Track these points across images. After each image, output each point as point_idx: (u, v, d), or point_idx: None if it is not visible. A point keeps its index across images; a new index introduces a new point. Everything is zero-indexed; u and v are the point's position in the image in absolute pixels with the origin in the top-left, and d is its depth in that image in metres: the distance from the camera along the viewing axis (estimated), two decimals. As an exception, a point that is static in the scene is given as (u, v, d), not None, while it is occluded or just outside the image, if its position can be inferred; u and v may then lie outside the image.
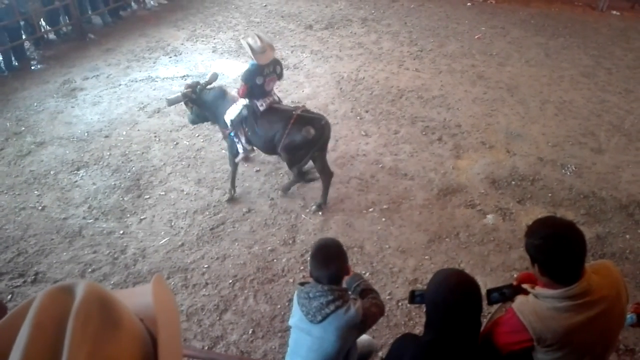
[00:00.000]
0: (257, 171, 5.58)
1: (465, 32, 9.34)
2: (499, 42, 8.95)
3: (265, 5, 10.61)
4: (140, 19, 10.04)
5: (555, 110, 6.83)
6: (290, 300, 4.04)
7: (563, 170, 5.62)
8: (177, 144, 6.09)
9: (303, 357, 2.62)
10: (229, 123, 4.86)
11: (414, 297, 2.29)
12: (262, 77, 4.53)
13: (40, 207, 5.11)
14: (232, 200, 5.18)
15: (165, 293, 0.98)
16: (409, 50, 8.54)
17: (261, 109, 4.70)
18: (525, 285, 2.17)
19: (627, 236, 4.75)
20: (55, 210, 5.07)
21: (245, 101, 4.72)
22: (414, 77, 7.64)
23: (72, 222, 4.92)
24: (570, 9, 10.75)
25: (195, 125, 5.73)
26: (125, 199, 5.21)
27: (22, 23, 8.18)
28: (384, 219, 4.92)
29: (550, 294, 1.99)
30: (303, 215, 4.97)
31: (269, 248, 4.60)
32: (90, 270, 4.40)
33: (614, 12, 10.55)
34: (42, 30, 8.76)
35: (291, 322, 2.74)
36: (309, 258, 2.65)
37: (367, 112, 6.70)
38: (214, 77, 5.15)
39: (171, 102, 5.08)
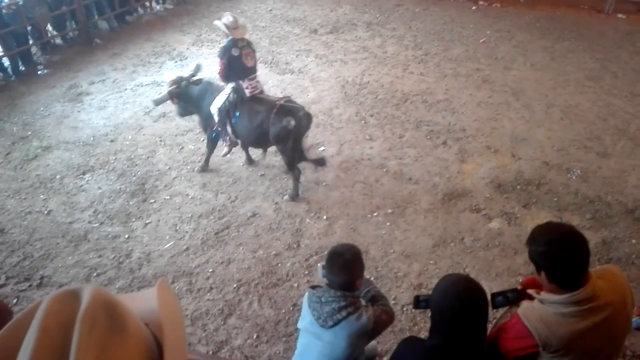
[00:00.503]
0: (261, 175, 5.59)
1: (470, 36, 9.34)
2: (504, 46, 8.94)
3: (271, 10, 10.65)
4: (146, 23, 10.10)
5: (561, 114, 6.81)
6: (295, 305, 4.04)
7: (568, 175, 5.60)
8: (182, 148, 6.11)
9: None
10: (215, 112, 4.97)
11: (418, 303, 2.28)
12: (237, 49, 4.83)
13: (46, 211, 5.13)
14: (202, 170, 5.62)
15: (170, 297, 0.99)
16: (413, 54, 8.54)
17: (247, 93, 4.91)
18: (530, 291, 2.16)
19: (633, 241, 4.71)
20: (60, 215, 5.09)
21: (231, 86, 4.92)
22: (419, 81, 7.64)
23: (78, 226, 4.94)
24: (575, 12, 10.73)
25: (199, 130, 5.80)
26: (131, 203, 5.23)
27: (29, 28, 8.25)
28: (388, 224, 4.91)
29: (556, 300, 1.98)
30: (307, 220, 4.96)
31: (274, 252, 4.60)
32: (95, 274, 4.41)
33: (620, 15, 10.51)
34: (49, 35, 8.83)
35: (300, 324, 2.74)
36: (325, 261, 2.62)
37: (371, 116, 6.70)
38: (198, 68, 5.27)
39: (158, 102, 5.33)
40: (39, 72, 8.15)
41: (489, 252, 4.58)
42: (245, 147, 5.57)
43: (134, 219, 5.02)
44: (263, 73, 7.86)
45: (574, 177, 5.56)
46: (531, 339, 2.01)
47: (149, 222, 4.98)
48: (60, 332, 0.73)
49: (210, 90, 5.21)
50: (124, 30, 9.71)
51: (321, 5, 10.91)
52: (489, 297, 2.16)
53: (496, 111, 6.85)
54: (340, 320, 2.47)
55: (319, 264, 2.77)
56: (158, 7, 10.90)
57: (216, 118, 5.09)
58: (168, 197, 5.30)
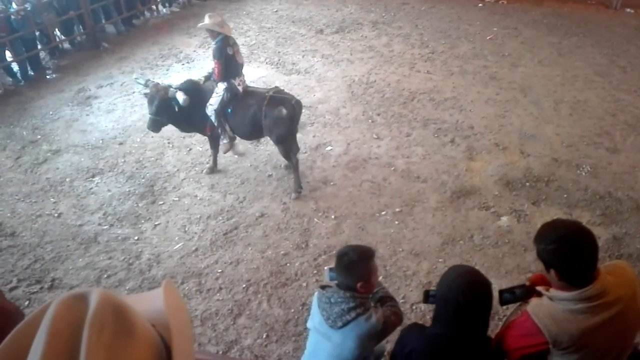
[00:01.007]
0: (269, 176, 5.60)
1: (477, 33, 9.29)
2: (511, 43, 8.88)
3: (277, 11, 10.66)
4: (153, 27, 10.15)
5: (570, 110, 6.76)
6: (304, 304, 4.04)
7: (578, 171, 5.55)
8: (190, 150, 6.13)
9: None
10: (212, 113, 5.07)
11: (428, 297, 2.30)
12: (230, 47, 4.94)
13: (56, 214, 5.18)
14: (210, 172, 5.66)
15: (176, 298, 0.99)
16: (420, 53, 8.51)
17: (240, 89, 5.03)
18: (539, 288, 2.15)
19: (645, 237, 4.67)
20: (71, 217, 5.14)
21: (224, 85, 4.99)
22: (426, 80, 7.61)
23: (88, 229, 4.98)
24: (583, 7, 10.63)
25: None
26: (140, 205, 5.26)
27: (37, 33, 8.33)
28: (397, 222, 4.91)
29: (565, 297, 1.97)
30: (316, 219, 4.97)
31: (282, 252, 4.61)
32: (105, 276, 4.44)
33: (628, 9, 10.41)
34: (57, 40, 8.89)
35: (309, 324, 2.73)
36: (334, 261, 2.59)
37: (378, 115, 6.69)
38: (189, 83, 5.28)
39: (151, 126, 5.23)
40: (48, 77, 8.22)
41: (499, 250, 4.56)
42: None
43: (143, 221, 5.05)
44: (270, 74, 7.89)
45: (583, 174, 5.51)
46: (541, 336, 2.00)
47: (158, 224, 5.01)
48: (69, 336, 0.73)
49: (201, 90, 5.21)
50: (131, 33, 9.76)
51: (327, 6, 10.90)
52: (495, 292, 2.19)
53: (504, 108, 6.82)
54: (349, 321, 2.46)
55: (325, 267, 2.76)
56: (165, 10, 10.94)
57: (214, 119, 5.13)
58: (177, 199, 5.33)
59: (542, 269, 2.06)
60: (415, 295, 4.10)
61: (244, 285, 4.29)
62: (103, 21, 9.62)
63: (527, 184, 5.37)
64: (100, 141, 6.37)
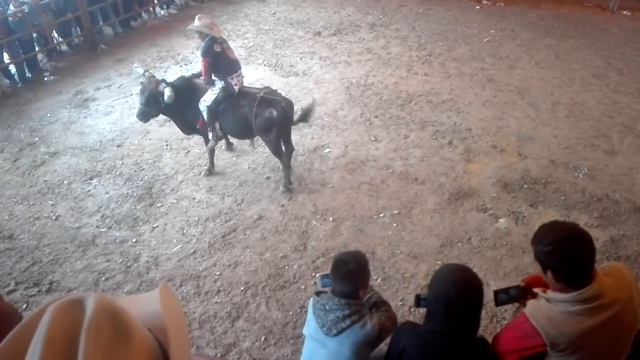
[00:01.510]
0: (267, 178, 5.60)
1: (474, 36, 9.31)
2: (508, 45, 8.91)
3: (274, 13, 10.67)
4: (150, 28, 10.15)
5: (567, 112, 6.78)
6: (302, 307, 4.04)
7: (576, 173, 5.57)
8: (188, 152, 6.13)
9: None
10: (204, 109, 5.07)
11: (419, 301, 2.31)
12: (218, 44, 5.02)
13: (54, 217, 5.17)
14: (208, 174, 5.65)
15: (172, 301, 0.98)
16: (417, 55, 8.53)
17: (236, 89, 5.08)
18: (537, 290, 2.15)
19: (642, 238, 4.69)
20: (69, 220, 5.13)
21: (221, 84, 5.04)
22: (423, 82, 7.63)
23: (86, 231, 4.97)
24: (580, 9, 10.67)
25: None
26: (138, 207, 5.25)
27: (34, 35, 8.31)
28: (395, 224, 4.91)
29: (563, 298, 1.97)
30: (314, 222, 4.97)
31: (280, 255, 4.61)
32: (103, 278, 4.44)
33: (625, 12, 10.45)
34: (55, 42, 8.89)
35: (305, 331, 2.72)
36: (330, 268, 2.58)
37: (376, 117, 6.70)
38: (182, 79, 5.35)
39: (141, 115, 5.35)
40: (45, 79, 8.21)
41: (497, 252, 4.57)
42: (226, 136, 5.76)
43: (141, 223, 5.05)
44: (267, 76, 7.89)
45: (581, 175, 5.53)
46: (539, 338, 2.00)
47: (156, 226, 5.00)
48: (66, 342, 0.72)
49: (194, 87, 5.29)
50: (128, 35, 9.76)
51: (324, 8, 10.92)
52: (491, 294, 2.22)
53: (502, 110, 6.83)
54: (344, 329, 2.45)
55: (318, 275, 2.75)
56: (162, 12, 10.94)
57: (205, 116, 5.17)
58: (175, 201, 5.32)
59: (539, 270, 2.06)
60: (413, 298, 4.09)
61: (242, 288, 4.29)
62: (100, 23, 9.62)
63: (525, 186, 5.38)
64: (98, 143, 6.36)
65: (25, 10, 7.80)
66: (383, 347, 3.15)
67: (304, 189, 5.41)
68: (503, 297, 2.26)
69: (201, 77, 5.25)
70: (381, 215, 5.04)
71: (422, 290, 4.15)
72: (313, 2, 11.25)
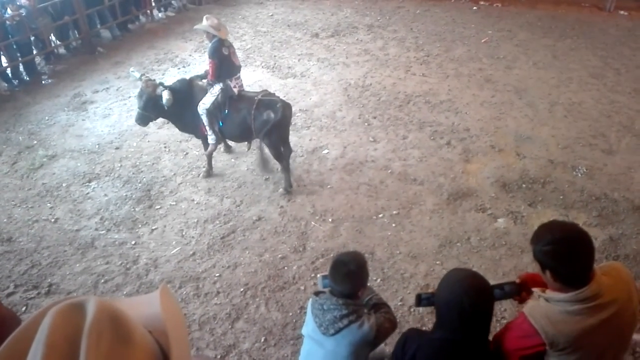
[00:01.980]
0: (266, 179, 5.60)
1: (471, 36, 9.33)
2: (506, 45, 8.93)
3: (272, 15, 10.68)
4: (148, 31, 10.15)
5: (565, 112, 6.80)
6: (302, 308, 4.04)
7: (574, 172, 5.58)
8: (186, 154, 6.13)
9: None
10: (203, 112, 5.09)
11: (420, 301, 2.30)
12: (226, 48, 5.03)
13: (53, 220, 5.16)
14: (207, 175, 5.65)
15: (172, 303, 0.98)
16: (415, 56, 8.55)
17: (235, 91, 5.10)
18: (535, 289, 2.15)
19: (641, 237, 4.70)
20: (67, 222, 5.12)
21: (220, 86, 5.04)
22: (421, 82, 7.64)
23: (85, 234, 4.96)
24: (577, 10, 10.70)
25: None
26: (137, 209, 5.25)
27: (32, 38, 8.31)
28: (394, 225, 4.91)
29: (562, 298, 1.97)
30: (313, 223, 4.97)
31: (280, 256, 4.61)
32: (103, 281, 4.43)
33: (622, 12, 10.48)
34: (52, 45, 8.89)
35: (304, 331, 2.73)
36: (329, 269, 2.59)
37: (374, 118, 6.71)
38: (183, 81, 5.36)
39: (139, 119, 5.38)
40: (44, 82, 8.20)
41: (496, 252, 4.58)
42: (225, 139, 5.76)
43: (140, 225, 5.04)
44: (265, 78, 7.90)
45: (579, 175, 5.54)
46: (538, 337, 2.00)
47: (155, 228, 5.00)
48: (67, 346, 0.72)
49: (193, 90, 5.29)
50: (126, 38, 9.76)
51: (322, 9, 10.94)
52: None
53: (500, 110, 6.85)
54: (341, 329, 2.46)
55: (319, 275, 2.76)
56: (160, 15, 10.95)
57: (205, 119, 5.16)
58: (174, 203, 5.32)
59: (538, 270, 2.07)
60: (413, 298, 4.06)
61: (241, 289, 4.28)
62: (98, 26, 9.62)
63: (524, 185, 5.39)
64: (97, 146, 6.36)
65: (23, 14, 7.80)
66: (382, 347, 3.16)
67: (303, 190, 5.41)
68: (497, 292, 2.26)
69: (204, 80, 5.26)
70: (380, 215, 5.04)
71: (422, 290, 4.16)
72: (310, 4, 11.28)
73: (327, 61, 8.41)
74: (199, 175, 5.69)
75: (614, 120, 6.57)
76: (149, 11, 10.76)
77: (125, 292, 4.30)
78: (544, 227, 2.09)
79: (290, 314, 4.04)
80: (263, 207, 5.21)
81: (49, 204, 5.38)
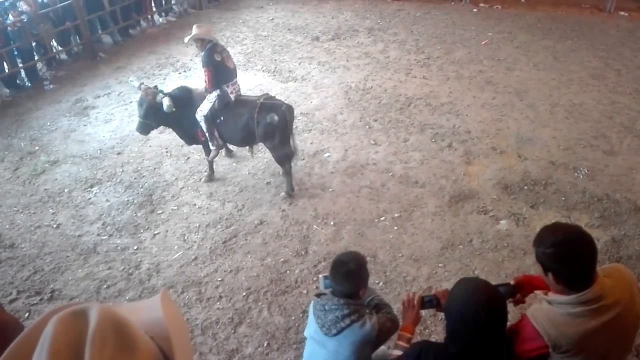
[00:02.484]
0: (267, 183, 5.61)
1: (472, 38, 9.34)
2: (506, 47, 8.93)
3: (272, 19, 10.71)
4: (149, 36, 10.18)
5: (566, 113, 6.79)
6: (305, 312, 4.03)
7: (576, 174, 5.57)
8: (188, 158, 6.14)
9: None
10: (201, 118, 5.09)
11: (423, 304, 2.29)
12: (218, 54, 5.01)
13: (55, 225, 5.17)
14: (208, 180, 5.66)
15: (173, 308, 0.98)
16: (416, 58, 8.55)
17: (232, 97, 5.09)
18: (538, 292, 2.15)
19: (644, 238, 4.68)
20: (70, 228, 5.13)
21: (216, 92, 5.04)
22: (422, 85, 7.64)
23: (87, 239, 4.97)
24: (577, 11, 10.71)
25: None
26: (139, 214, 5.25)
27: (34, 44, 8.34)
28: (396, 228, 4.91)
29: (564, 300, 1.97)
30: (315, 226, 4.97)
31: (282, 259, 4.61)
32: (105, 286, 4.43)
33: (622, 13, 10.48)
34: (54, 50, 8.92)
35: (306, 333, 2.73)
36: (329, 269, 2.60)
37: (375, 121, 6.71)
38: (183, 89, 5.36)
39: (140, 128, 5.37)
40: (45, 88, 8.23)
41: (498, 254, 4.57)
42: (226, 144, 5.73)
43: (142, 230, 5.05)
44: (266, 82, 7.91)
45: (581, 176, 5.53)
46: (540, 340, 2.00)
47: (158, 233, 5.00)
48: (71, 354, 0.72)
49: (192, 97, 5.29)
50: (127, 43, 9.79)
51: (322, 13, 10.96)
52: None
53: (501, 112, 6.84)
54: (343, 329, 2.46)
55: (320, 275, 2.76)
56: (161, 20, 10.99)
57: (203, 126, 5.17)
58: (175, 208, 5.32)
59: (541, 272, 2.06)
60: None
61: (244, 294, 4.28)
62: (99, 31, 9.67)
63: (525, 187, 5.38)
64: (98, 151, 6.37)
65: (24, 20, 7.84)
66: (384, 349, 3.16)
67: (305, 194, 5.41)
68: None
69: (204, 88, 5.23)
70: (382, 218, 5.04)
71: (425, 292, 4.15)
72: (311, 8, 11.30)
73: (328, 64, 8.42)
74: (201, 179, 5.70)
75: (615, 121, 6.57)
76: (150, 16, 10.79)
77: (127, 298, 4.30)
78: (547, 230, 2.08)
79: (293, 317, 4.04)
80: (265, 211, 5.21)
81: (51, 210, 5.39)
